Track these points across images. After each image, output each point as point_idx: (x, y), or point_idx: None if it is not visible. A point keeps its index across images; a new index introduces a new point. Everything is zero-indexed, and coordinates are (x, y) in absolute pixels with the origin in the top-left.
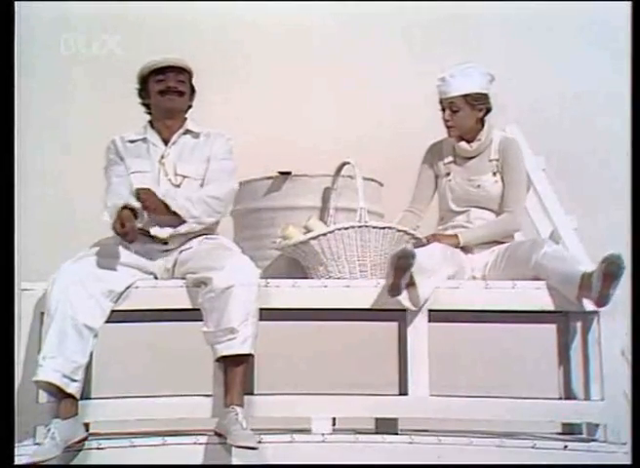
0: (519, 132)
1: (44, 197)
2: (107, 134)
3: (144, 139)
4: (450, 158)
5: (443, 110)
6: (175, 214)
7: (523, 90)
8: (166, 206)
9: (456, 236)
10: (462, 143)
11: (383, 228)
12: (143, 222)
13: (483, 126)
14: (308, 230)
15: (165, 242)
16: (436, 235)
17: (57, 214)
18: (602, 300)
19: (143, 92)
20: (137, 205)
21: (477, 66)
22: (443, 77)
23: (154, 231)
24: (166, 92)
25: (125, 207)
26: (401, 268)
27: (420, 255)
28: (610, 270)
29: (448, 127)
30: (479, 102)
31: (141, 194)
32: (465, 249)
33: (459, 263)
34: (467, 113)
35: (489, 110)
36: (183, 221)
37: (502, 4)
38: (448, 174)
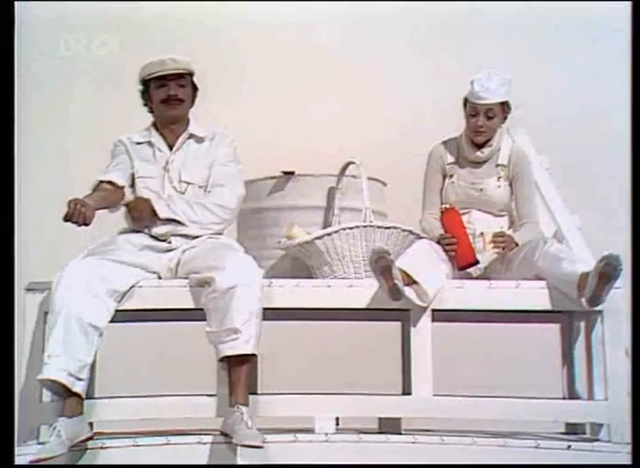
0: (524, 132)
1: (44, 197)
2: (107, 134)
3: (150, 143)
4: (452, 159)
5: (473, 115)
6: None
7: (526, 90)
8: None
9: (510, 237)
10: (473, 148)
11: (388, 228)
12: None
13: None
14: (290, 238)
15: (168, 241)
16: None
17: (56, 214)
18: (594, 300)
19: (146, 94)
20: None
21: (506, 74)
22: (482, 83)
23: (154, 229)
24: (167, 100)
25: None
26: (385, 268)
27: (411, 254)
28: (606, 270)
29: (479, 132)
30: (510, 110)
31: (138, 206)
32: None
33: (449, 259)
34: (500, 120)
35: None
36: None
37: (507, 6)
38: (451, 175)
